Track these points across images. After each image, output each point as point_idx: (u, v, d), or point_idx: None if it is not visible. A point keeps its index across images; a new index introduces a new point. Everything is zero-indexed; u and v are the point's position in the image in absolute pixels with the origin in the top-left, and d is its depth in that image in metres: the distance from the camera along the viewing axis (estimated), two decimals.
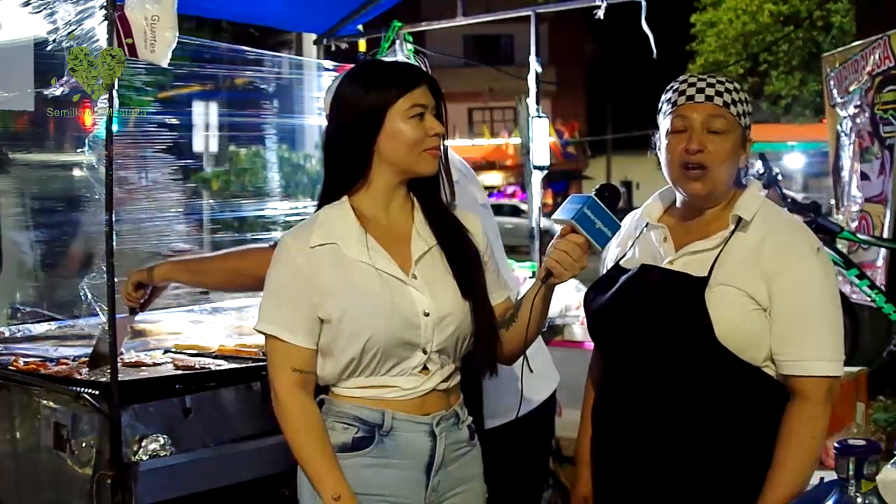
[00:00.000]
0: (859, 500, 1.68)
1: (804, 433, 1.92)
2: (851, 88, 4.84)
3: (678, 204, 2.13)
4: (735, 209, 2.02)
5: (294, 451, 1.96)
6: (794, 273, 1.94)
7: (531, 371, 2.09)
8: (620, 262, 2.16)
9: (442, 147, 2.02)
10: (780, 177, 4.83)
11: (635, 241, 2.17)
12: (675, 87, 2.05)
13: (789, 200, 4.71)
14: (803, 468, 1.92)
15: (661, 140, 2.06)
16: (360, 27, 4.70)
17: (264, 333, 2.00)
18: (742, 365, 1.95)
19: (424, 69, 2.11)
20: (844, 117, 4.97)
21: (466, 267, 2.04)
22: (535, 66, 4.47)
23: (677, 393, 1.99)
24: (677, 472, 1.99)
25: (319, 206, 2.05)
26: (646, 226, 2.16)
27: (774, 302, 1.94)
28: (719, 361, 1.94)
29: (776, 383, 1.98)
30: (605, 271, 2.22)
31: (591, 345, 2.26)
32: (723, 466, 1.98)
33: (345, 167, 2.02)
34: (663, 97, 2.08)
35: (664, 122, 2.06)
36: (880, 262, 4.72)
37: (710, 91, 2.00)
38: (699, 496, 1.99)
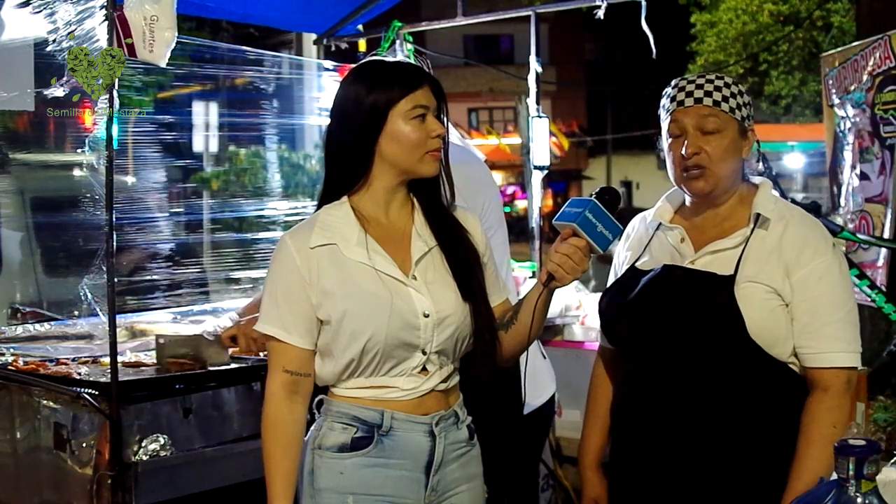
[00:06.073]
0: (859, 500, 1.68)
1: (825, 423, 1.95)
2: (851, 88, 4.83)
3: (687, 203, 2.15)
4: (755, 207, 2.05)
5: (263, 453, 1.97)
6: (812, 267, 1.99)
7: (545, 358, 2.10)
8: (636, 265, 2.16)
9: (443, 148, 2.02)
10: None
11: (649, 244, 2.17)
12: (668, 93, 2.09)
13: (789, 200, 4.71)
14: (827, 458, 1.93)
15: (664, 143, 2.09)
16: (360, 27, 4.70)
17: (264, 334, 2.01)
18: (771, 361, 1.98)
19: (427, 70, 2.10)
20: (843, 117, 4.95)
21: (466, 268, 2.03)
22: (535, 66, 4.46)
23: (708, 390, 2.01)
24: (707, 469, 2.01)
25: (319, 206, 2.04)
26: (658, 227, 2.17)
27: (795, 294, 1.98)
28: (750, 358, 1.97)
29: (801, 379, 2.01)
30: (617, 275, 2.22)
31: (591, 345, 2.27)
32: (752, 461, 2.00)
33: (345, 167, 2.01)
34: (661, 101, 2.11)
35: (663, 127, 2.09)
36: (880, 262, 4.71)
37: (699, 93, 2.03)
38: (729, 491, 2.00)
